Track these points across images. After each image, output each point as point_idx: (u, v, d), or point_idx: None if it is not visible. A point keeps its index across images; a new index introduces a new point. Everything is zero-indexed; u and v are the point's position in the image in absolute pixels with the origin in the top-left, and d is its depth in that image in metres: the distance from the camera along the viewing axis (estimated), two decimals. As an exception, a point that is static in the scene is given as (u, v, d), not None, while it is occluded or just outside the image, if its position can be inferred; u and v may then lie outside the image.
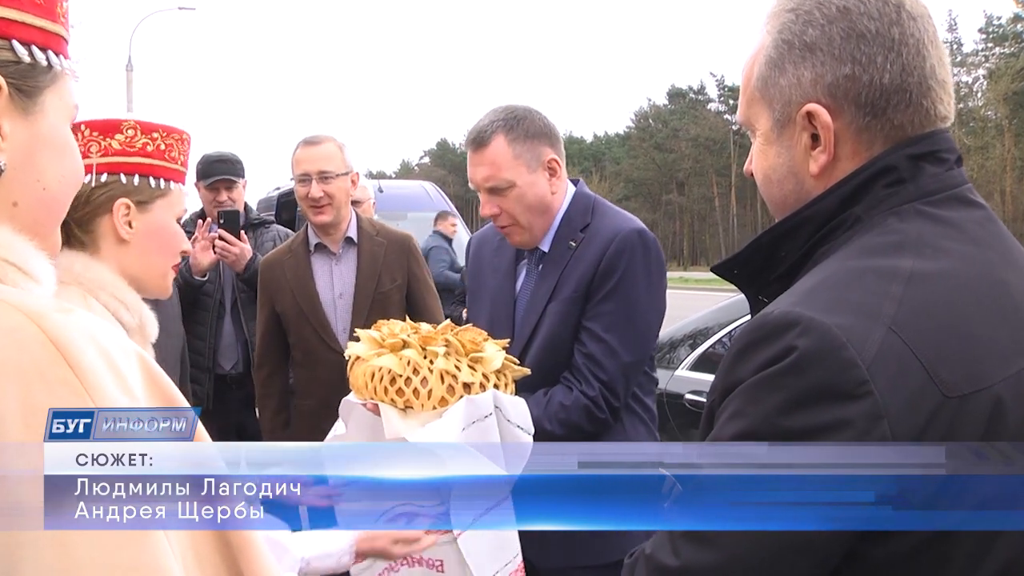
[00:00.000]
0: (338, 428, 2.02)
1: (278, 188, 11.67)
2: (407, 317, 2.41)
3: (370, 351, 1.81)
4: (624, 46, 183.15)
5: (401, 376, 1.72)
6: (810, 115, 1.05)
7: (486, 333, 1.92)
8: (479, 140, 2.24)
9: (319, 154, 3.08)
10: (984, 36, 55.51)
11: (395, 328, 1.85)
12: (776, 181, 1.13)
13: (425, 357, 1.74)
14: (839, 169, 1.06)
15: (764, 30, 1.10)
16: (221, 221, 3.65)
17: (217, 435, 2.94)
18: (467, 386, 1.74)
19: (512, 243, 2.35)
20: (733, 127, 73.74)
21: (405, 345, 1.77)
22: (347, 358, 1.90)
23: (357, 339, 2.04)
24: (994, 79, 50.05)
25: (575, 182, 2.43)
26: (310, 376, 3.11)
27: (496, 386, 1.78)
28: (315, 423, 3.05)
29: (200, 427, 0.75)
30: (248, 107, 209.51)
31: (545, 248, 2.32)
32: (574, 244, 2.27)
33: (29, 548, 0.61)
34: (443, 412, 1.71)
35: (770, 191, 1.15)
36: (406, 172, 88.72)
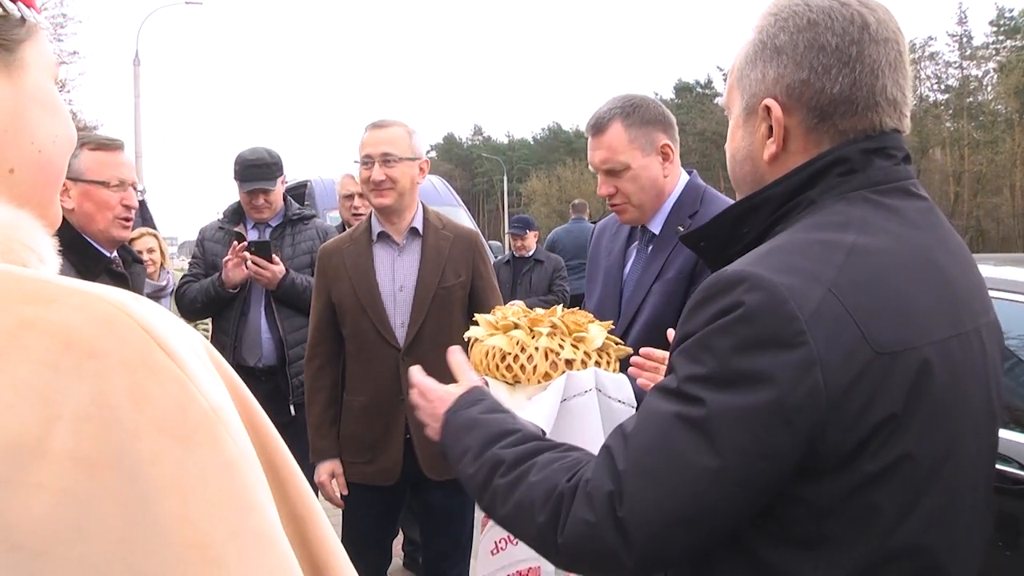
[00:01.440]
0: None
1: (286, 182, 11.62)
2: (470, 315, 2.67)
3: (486, 333, 1.98)
4: (630, 40, 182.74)
5: (510, 354, 1.88)
6: (768, 109, 1.19)
7: (592, 315, 2.04)
8: (598, 126, 2.40)
9: (384, 137, 2.97)
10: (995, 29, 55.04)
11: (507, 312, 2.02)
12: (739, 161, 1.28)
13: (532, 337, 1.90)
14: (790, 161, 1.19)
15: (751, 27, 1.24)
16: (252, 249, 3.76)
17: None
18: (569, 363, 1.89)
19: (622, 220, 2.51)
20: (740, 121, 73.24)
21: (515, 327, 1.93)
22: (466, 340, 2.04)
23: (415, 332, 2.83)
24: (1005, 73, 49.58)
25: (689, 172, 2.55)
26: (363, 371, 2.99)
27: (598, 364, 1.91)
28: (364, 420, 2.99)
29: None
30: (255, 100, 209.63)
31: (656, 230, 2.45)
32: (681, 229, 2.33)
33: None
34: (546, 386, 1.87)
35: (733, 169, 1.30)
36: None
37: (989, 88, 51.57)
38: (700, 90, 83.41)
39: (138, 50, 25.46)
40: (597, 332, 1.95)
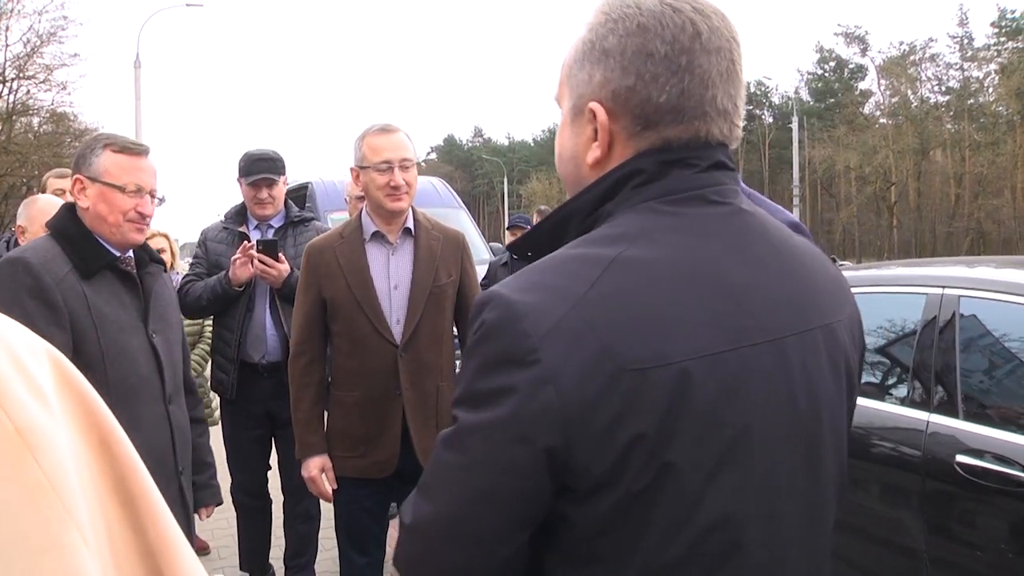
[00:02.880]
0: None
1: (287, 184, 11.63)
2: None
3: None
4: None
5: None
6: (593, 112, 1.13)
7: None
8: None
9: (399, 141, 3.03)
10: (996, 30, 55.11)
11: None
12: (564, 160, 1.23)
13: None
14: (609, 167, 1.15)
15: (583, 22, 1.17)
16: (260, 248, 3.84)
17: (244, 420, 3.02)
18: None
19: None
20: (742, 123, 73.29)
21: None
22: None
23: (412, 329, 2.89)
24: (1006, 74, 49.61)
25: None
26: (357, 367, 3.02)
27: None
28: (357, 414, 3.02)
29: None
30: (255, 103, 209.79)
31: None
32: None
33: None
34: None
35: (560, 167, 1.25)
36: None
37: (990, 90, 51.64)
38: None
39: (139, 52, 25.64)
40: None
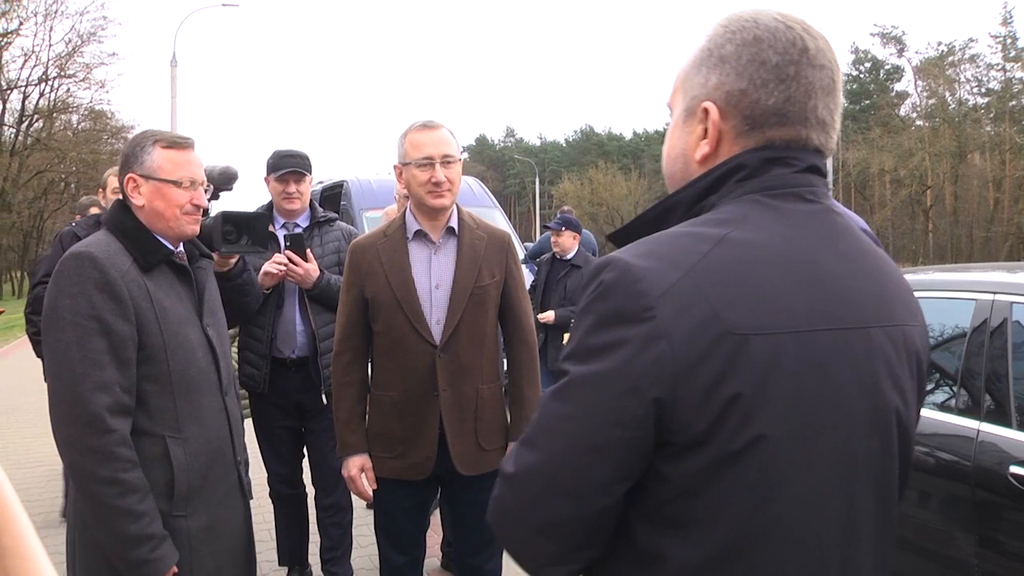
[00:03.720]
0: None
1: (321, 182, 11.69)
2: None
3: None
4: (664, 42, 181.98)
5: None
6: (706, 111, 1.25)
7: None
8: None
9: (441, 137, 3.00)
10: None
11: None
12: (672, 158, 1.34)
13: None
14: (716, 163, 1.26)
15: (702, 35, 1.31)
16: (288, 244, 3.92)
17: (276, 412, 3.17)
18: None
19: None
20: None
21: None
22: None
23: (451, 329, 2.89)
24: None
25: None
26: (396, 366, 3.00)
27: None
28: (395, 415, 3.00)
29: None
30: (291, 101, 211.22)
31: None
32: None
33: None
34: None
35: (666, 166, 1.37)
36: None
37: (1013, 97, 50.52)
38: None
39: (175, 51, 25.85)
40: None
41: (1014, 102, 49.05)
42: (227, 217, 3.03)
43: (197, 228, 2.53)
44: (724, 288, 1.11)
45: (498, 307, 3.09)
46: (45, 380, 2.22)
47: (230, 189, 3.18)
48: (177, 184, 2.43)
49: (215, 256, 3.05)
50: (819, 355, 1.13)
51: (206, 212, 3.07)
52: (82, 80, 38.11)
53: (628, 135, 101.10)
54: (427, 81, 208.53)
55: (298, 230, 4.10)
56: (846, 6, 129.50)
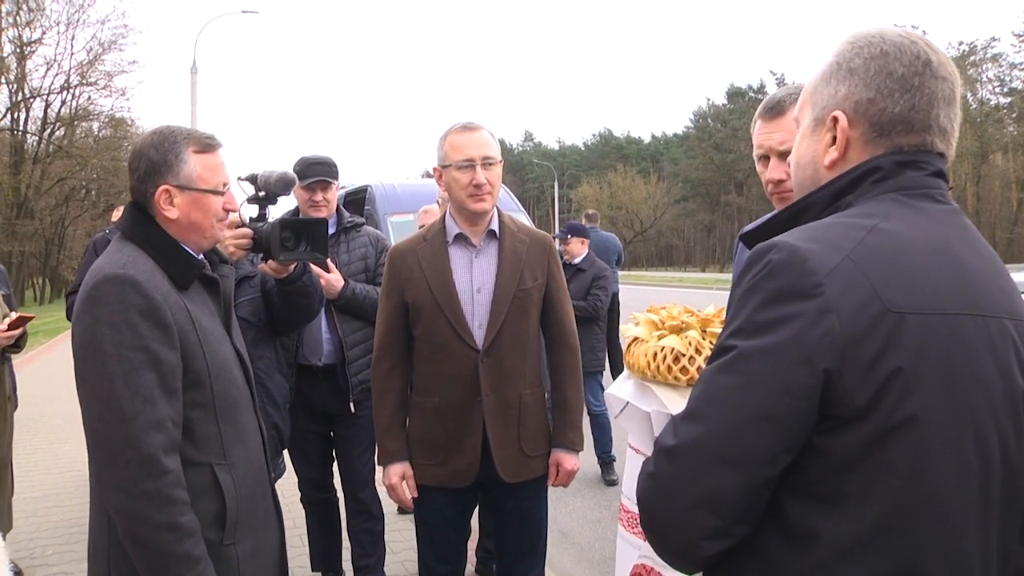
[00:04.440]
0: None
1: (344, 187, 11.67)
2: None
3: (650, 333, 1.90)
4: (683, 45, 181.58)
5: (684, 355, 1.81)
6: (835, 120, 1.37)
7: None
8: (779, 107, 2.34)
9: (482, 139, 2.94)
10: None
11: (673, 311, 1.96)
12: (802, 166, 1.45)
13: (705, 338, 1.84)
14: (846, 167, 1.36)
15: (830, 51, 1.42)
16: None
17: (304, 419, 3.03)
18: None
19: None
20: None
21: (685, 327, 1.87)
22: (625, 338, 1.95)
23: (494, 334, 2.86)
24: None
25: None
26: (438, 372, 2.95)
27: None
28: (437, 421, 2.94)
29: None
30: (310, 107, 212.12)
31: None
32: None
33: None
34: None
35: (797, 175, 1.47)
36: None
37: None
38: (753, 95, 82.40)
39: (195, 58, 25.94)
40: None
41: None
42: (285, 223, 2.93)
43: (224, 232, 2.40)
44: (881, 270, 1.19)
45: (540, 310, 3.04)
46: (83, 415, 2.06)
47: (288, 194, 3.11)
48: (217, 192, 2.26)
49: (273, 263, 2.99)
50: (965, 338, 1.21)
51: (263, 218, 3.01)
52: (103, 88, 38.39)
53: (647, 138, 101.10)
54: (446, 85, 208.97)
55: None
56: (866, 5, 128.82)
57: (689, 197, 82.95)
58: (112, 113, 40.31)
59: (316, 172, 4.01)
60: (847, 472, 1.17)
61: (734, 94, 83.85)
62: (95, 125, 41.61)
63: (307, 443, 4.11)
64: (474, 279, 2.95)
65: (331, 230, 4.09)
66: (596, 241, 10.31)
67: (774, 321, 1.19)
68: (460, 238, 2.99)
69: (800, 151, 1.46)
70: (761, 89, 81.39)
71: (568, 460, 3.03)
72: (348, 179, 13.29)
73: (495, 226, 3.01)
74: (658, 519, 1.27)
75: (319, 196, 4.02)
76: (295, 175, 3.03)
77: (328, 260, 3.84)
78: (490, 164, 2.91)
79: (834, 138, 1.37)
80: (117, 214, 7.82)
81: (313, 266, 3.71)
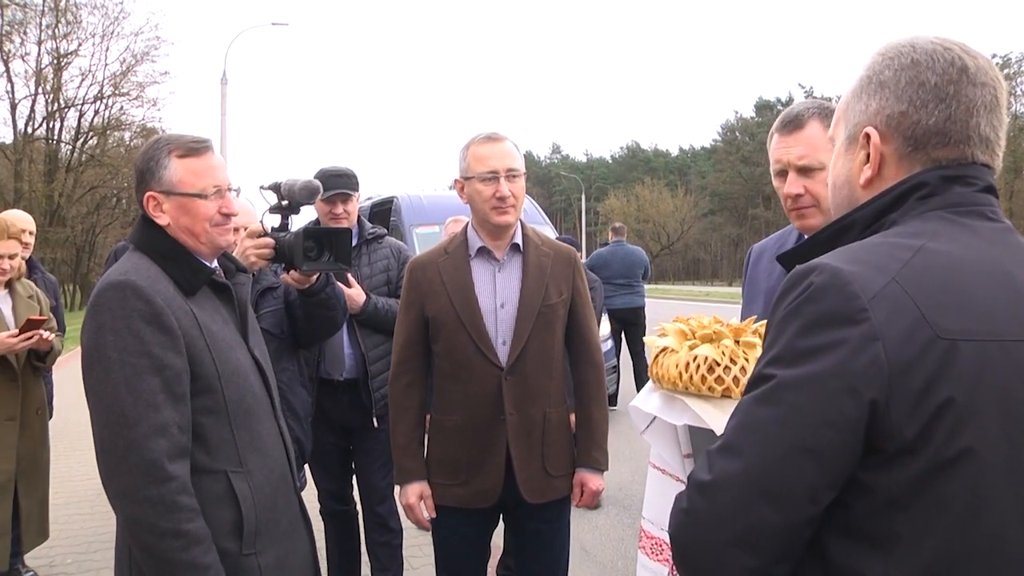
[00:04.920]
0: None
1: (370, 198, 11.66)
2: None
3: (680, 343, 1.85)
4: (711, 58, 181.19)
5: (720, 364, 1.76)
6: (867, 136, 1.30)
7: None
8: (796, 122, 2.28)
9: (506, 150, 2.87)
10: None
11: (703, 320, 1.91)
12: (838, 187, 1.38)
13: (740, 347, 1.80)
14: (883, 185, 1.30)
15: (862, 65, 1.35)
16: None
17: (324, 432, 2.92)
18: None
19: (802, 226, 2.33)
20: (823, 140, 71.76)
21: (718, 335, 1.83)
22: (652, 349, 1.91)
23: (519, 351, 2.80)
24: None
25: None
26: (460, 389, 2.86)
27: None
28: (459, 440, 2.86)
29: None
30: (339, 118, 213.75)
31: None
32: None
33: None
34: None
35: (834, 196, 1.41)
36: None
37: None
38: (781, 108, 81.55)
39: (225, 69, 26.14)
40: None
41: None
42: (308, 233, 2.88)
43: (231, 238, 2.35)
44: (930, 293, 1.12)
45: (564, 326, 2.96)
46: (91, 422, 2.06)
47: (312, 203, 3.05)
48: (202, 196, 2.21)
49: (295, 273, 2.94)
50: (1022, 365, 1.12)
51: (285, 228, 2.96)
52: (135, 98, 38.80)
53: (675, 151, 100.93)
54: (474, 97, 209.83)
55: None
56: (899, 17, 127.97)
57: (716, 211, 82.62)
58: (143, 123, 40.73)
59: (336, 184, 3.95)
60: (896, 511, 1.10)
61: (762, 107, 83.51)
62: (127, 135, 42.07)
63: (326, 455, 4.06)
64: (497, 294, 2.87)
65: (354, 242, 4.03)
66: (622, 255, 10.29)
67: (816, 348, 1.12)
68: (483, 251, 2.91)
69: (836, 171, 1.39)
70: (790, 102, 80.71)
71: (593, 480, 2.95)
72: (374, 190, 13.29)
73: (519, 239, 2.93)
74: (692, 558, 1.20)
75: (340, 209, 3.97)
76: (320, 184, 2.98)
77: (349, 275, 3.79)
78: (514, 176, 2.83)
79: (868, 155, 1.31)
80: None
81: (337, 281, 3.68)
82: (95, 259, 42.76)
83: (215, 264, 2.33)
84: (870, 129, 1.30)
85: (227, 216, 2.27)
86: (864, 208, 1.30)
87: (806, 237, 2.35)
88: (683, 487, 1.82)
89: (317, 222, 4.08)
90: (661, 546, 1.92)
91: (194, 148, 2.25)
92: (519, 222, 2.94)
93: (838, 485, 1.12)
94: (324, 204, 3.96)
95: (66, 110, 37.81)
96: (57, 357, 4.75)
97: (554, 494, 2.90)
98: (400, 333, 2.98)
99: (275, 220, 2.95)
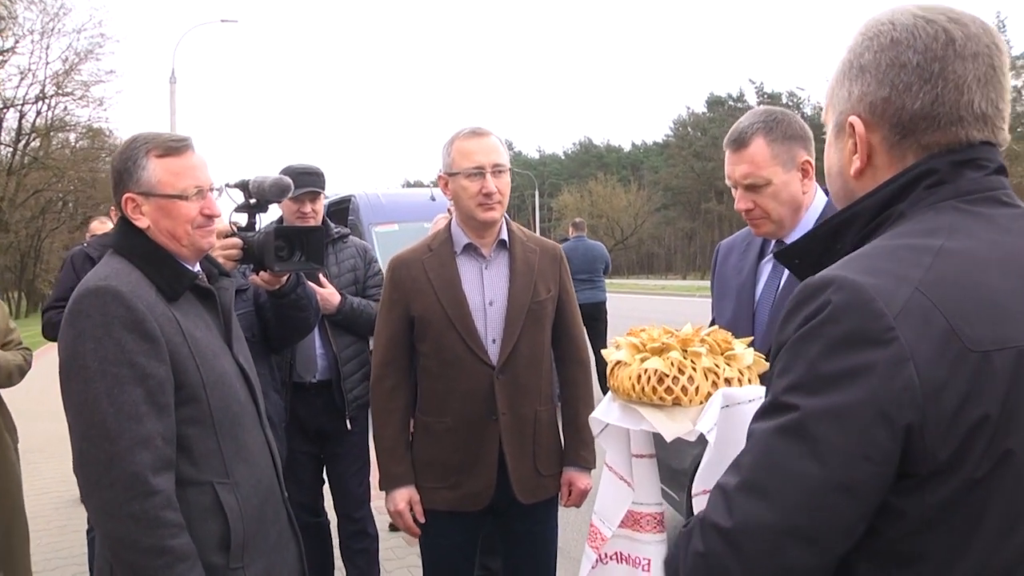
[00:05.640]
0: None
1: (326, 197, 11.52)
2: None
3: (633, 356, 1.89)
4: (663, 54, 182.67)
5: (668, 376, 1.80)
6: (852, 126, 1.22)
7: (730, 333, 1.96)
8: (740, 140, 2.35)
9: (492, 145, 2.81)
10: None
11: (653, 333, 1.93)
12: (832, 176, 1.31)
13: (686, 357, 1.83)
14: (877, 176, 1.22)
15: (845, 47, 1.27)
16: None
17: (297, 439, 2.72)
18: (728, 381, 1.83)
19: (757, 233, 2.46)
20: (773, 135, 72.68)
21: (666, 348, 1.86)
22: (608, 362, 1.95)
23: (510, 349, 2.77)
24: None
25: (825, 191, 2.46)
26: (449, 390, 2.80)
27: (750, 381, 1.87)
28: (449, 442, 2.80)
29: None
30: (290, 117, 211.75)
31: None
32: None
33: None
34: (705, 406, 1.81)
35: (829, 184, 1.34)
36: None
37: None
38: (732, 103, 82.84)
39: (174, 68, 25.76)
40: (743, 349, 1.89)
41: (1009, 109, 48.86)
42: (279, 232, 2.80)
43: (213, 240, 2.28)
44: (956, 302, 1.04)
45: (552, 323, 2.91)
46: (70, 435, 1.97)
47: (281, 201, 2.95)
48: (183, 197, 2.14)
49: (266, 274, 2.85)
50: None
51: (252, 227, 2.88)
52: (80, 98, 37.97)
53: (627, 147, 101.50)
54: (425, 94, 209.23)
55: None
56: (848, 14, 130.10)
57: (670, 205, 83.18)
58: (89, 124, 40.00)
59: (305, 182, 3.84)
60: (928, 531, 1.04)
61: (714, 103, 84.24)
62: (72, 136, 41.26)
63: (299, 465, 3.92)
64: (486, 291, 2.82)
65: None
66: (583, 250, 10.32)
67: (843, 374, 1.02)
68: (469, 248, 2.85)
69: (828, 160, 1.32)
70: (740, 97, 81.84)
71: (581, 479, 2.92)
72: (331, 189, 13.15)
73: (504, 236, 2.87)
74: None
75: (308, 208, 3.88)
76: (291, 181, 2.90)
77: (321, 276, 3.72)
78: (500, 172, 2.78)
79: (856, 144, 1.23)
80: (95, 226, 7.62)
81: (309, 282, 3.57)
82: (41, 265, 41.88)
83: (198, 268, 2.26)
84: (853, 118, 1.22)
85: (209, 217, 2.20)
86: (867, 199, 1.21)
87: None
88: (627, 487, 1.91)
89: (281, 221, 3.98)
90: (596, 535, 2.00)
91: (173, 147, 2.17)
92: (504, 218, 2.89)
93: (871, 515, 1.06)
94: (292, 203, 3.85)
95: (4, 111, 36.89)
96: (22, 374, 4.41)
97: (544, 493, 2.86)
98: (382, 333, 2.90)
99: (241, 219, 2.85)
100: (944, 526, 1.03)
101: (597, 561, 1.98)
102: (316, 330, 3.83)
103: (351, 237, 4.18)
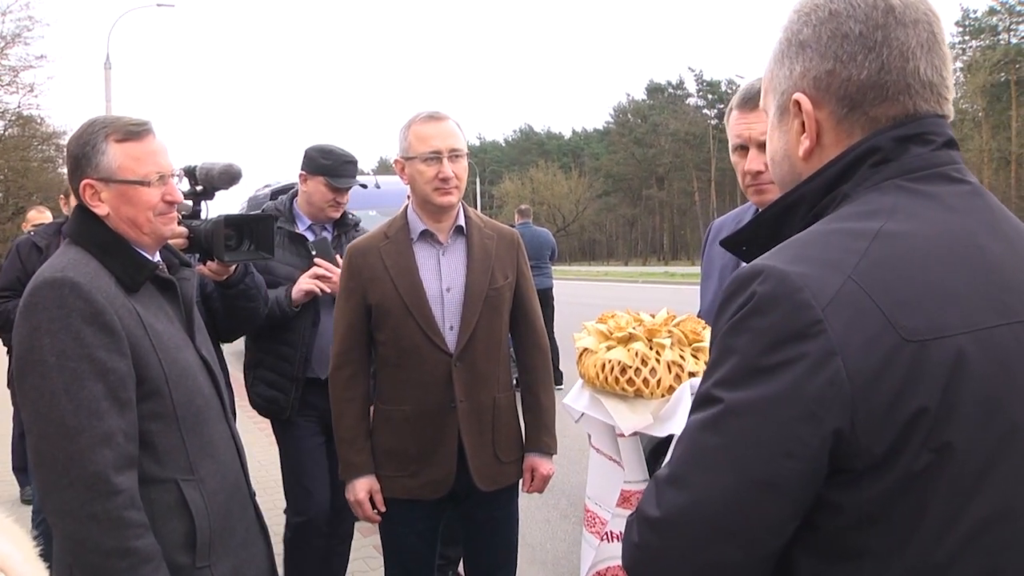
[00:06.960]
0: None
1: (268, 185, 11.37)
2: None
3: (599, 344, 1.89)
4: (602, 41, 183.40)
5: (631, 367, 1.80)
6: (798, 104, 1.17)
7: (704, 322, 1.95)
8: (758, 98, 2.25)
9: (449, 129, 2.79)
10: (961, 29, 55.79)
11: (621, 322, 1.93)
12: (777, 162, 1.26)
13: (651, 348, 1.82)
14: (825, 155, 1.17)
15: (779, 27, 1.23)
16: (314, 252, 3.56)
17: (307, 433, 2.79)
18: (692, 374, 1.83)
19: (760, 203, 2.28)
20: (712, 122, 73.69)
21: (632, 338, 1.85)
22: (576, 349, 1.95)
23: (468, 336, 2.75)
24: (971, 72, 50.17)
25: None
26: (407, 378, 2.79)
27: None
28: (408, 430, 2.79)
29: None
30: (230, 103, 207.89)
31: None
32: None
33: None
34: (669, 399, 1.80)
35: (774, 172, 1.28)
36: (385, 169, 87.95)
37: (957, 88, 51.79)
38: (672, 91, 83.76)
39: (109, 53, 25.06)
40: None
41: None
42: (228, 221, 2.73)
43: (175, 228, 2.22)
44: (892, 290, 1.00)
45: (510, 310, 2.93)
46: (26, 434, 1.90)
47: (228, 189, 2.90)
48: (144, 183, 2.07)
49: (213, 264, 2.79)
50: (1001, 353, 1.01)
51: (197, 215, 2.79)
52: (8, 84, 36.78)
53: (568, 134, 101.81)
54: (365, 80, 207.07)
55: (325, 234, 3.74)
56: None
57: (611, 192, 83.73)
58: (19, 111, 38.72)
59: (350, 173, 3.70)
60: (868, 525, 1.00)
61: (653, 90, 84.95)
62: (1, 124, 39.96)
63: (315, 459, 3.64)
64: (443, 278, 2.81)
65: (332, 232, 3.79)
66: (530, 237, 10.38)
67: (766, 368, 0.99)
68: (425, 235, 2.84)
69: (772, 146, 1.26)
70: (680, 85, 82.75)
71: (543, 465, 2.95)
72: (262, 178, 12.96)
73: (462, 222, 2.87)
74: None
75: (344, 197, 3.71)
76: (240, 169, 2.86)
77: (338, 257, 3.51)
78: (457, 156, 2.78)
79: (803, 124, 1.17)
80: (33, 215, 7.46)
81: (321, 261, 3.48)
82: (-30, 255, 40.52)
83: (158, 258, 2.20)
84: (799, 95, 1.17)
85: (171, 204, 2.14)
86: (811, 182, 1.17)
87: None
88: (618, 467, 1.90)
89: (293, 193, 3.82)
90: (595, 519, 1.98)
91: (133, 131, 2.10)
92: (461, 204, 2.90)
93: (804, 511, 1.02)
94: (328, 190, 3.66)
95: (-75, 98, 35.59)
96: None
97: (505, 480, 2.89)
98: (340, 322, 2.89)
99: (186, 206, 2.76)
100: (884, 520, 1.00)
101: (601, 543, 1.96)
102: (332, 328, 3.67)
103: (362, 224, 4.00)
